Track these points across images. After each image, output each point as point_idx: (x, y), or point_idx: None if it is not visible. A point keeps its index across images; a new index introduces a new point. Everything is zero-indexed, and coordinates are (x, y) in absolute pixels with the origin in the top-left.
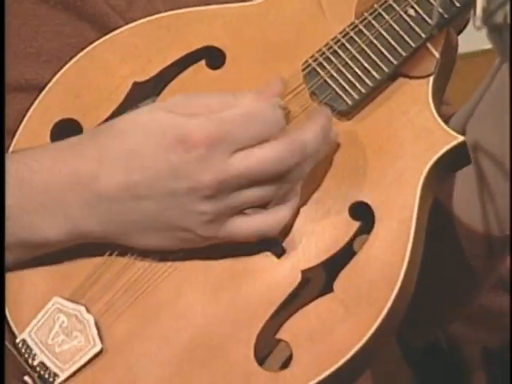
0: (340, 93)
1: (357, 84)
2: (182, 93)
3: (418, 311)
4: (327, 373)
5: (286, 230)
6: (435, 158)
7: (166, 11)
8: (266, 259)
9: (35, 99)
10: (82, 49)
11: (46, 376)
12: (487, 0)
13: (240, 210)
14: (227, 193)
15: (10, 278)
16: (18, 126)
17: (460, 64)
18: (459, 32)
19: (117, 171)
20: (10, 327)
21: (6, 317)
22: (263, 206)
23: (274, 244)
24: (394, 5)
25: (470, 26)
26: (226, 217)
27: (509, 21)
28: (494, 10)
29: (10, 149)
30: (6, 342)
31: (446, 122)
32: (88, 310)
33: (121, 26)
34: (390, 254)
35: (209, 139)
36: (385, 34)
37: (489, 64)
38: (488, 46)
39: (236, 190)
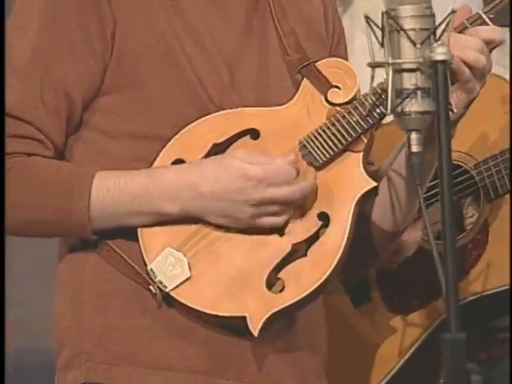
0: (316, 157)
1: (325, 153)
2: (246, 149)
3: (350, 266)
4: (301, 296)
5: (286, 223)
6: (362, 192)
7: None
8: (274, 236)
9: (164, 146)
10: (190, 123)
11: (162, 286)
12: (392, 99)
13: (266, 214)
14: (262, 205)
15: (147, 231)
16: (156, 158)
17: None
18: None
19: (209, 185)
20: (143, 259)
21: None
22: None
23: (278, 229)
24: (347, 116)
25: None
26: (259, 216)
27: (406, 109)
28: (397, 105)
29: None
30: (137, 268)
31: (371, 174)
32: (184, 255)
33: (213, 111)
34: (336, 238)
35: (257, 178)
36: (341, 129)
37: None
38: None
39: (267, 204)
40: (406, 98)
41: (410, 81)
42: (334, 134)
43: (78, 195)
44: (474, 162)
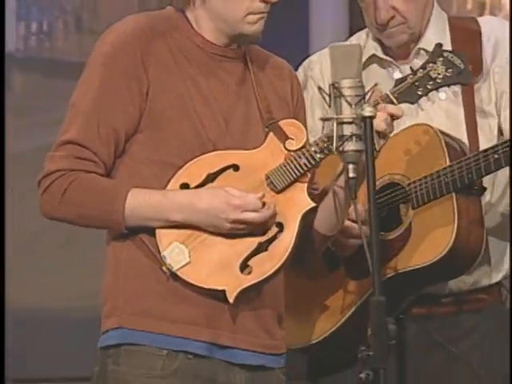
0: (276, 185)
1: (282, 182)
2: (230, 186)
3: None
4: (263, 277)
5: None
6: (305, 210)
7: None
8: (247, 237)
9: (176, 172)
10: (195, 157)
11: (170, 267)
12: (337, 140)
13: (238, 230)
14: (236, 223)
15: (162, 231)
16: (170, 180)
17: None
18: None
19: (204, 205)
20: (158, 248)
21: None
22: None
23: (248, 234)
24: (298, 158)
25: None
26: (234, 230)
27: (345, 148)
28: (339, 145)
29: (168, 187)
30: (156, 253)
31: (313, 198)
32: (186, 247)
33: (210, 149)
34: (287, 239)
35: (235, 205)
36: (293, 167)
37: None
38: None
39: (240, 223)
40: (346, 141)
41: (348, 130)
42: (288, 170)
43: (117, 201)
44: (408, 181)
